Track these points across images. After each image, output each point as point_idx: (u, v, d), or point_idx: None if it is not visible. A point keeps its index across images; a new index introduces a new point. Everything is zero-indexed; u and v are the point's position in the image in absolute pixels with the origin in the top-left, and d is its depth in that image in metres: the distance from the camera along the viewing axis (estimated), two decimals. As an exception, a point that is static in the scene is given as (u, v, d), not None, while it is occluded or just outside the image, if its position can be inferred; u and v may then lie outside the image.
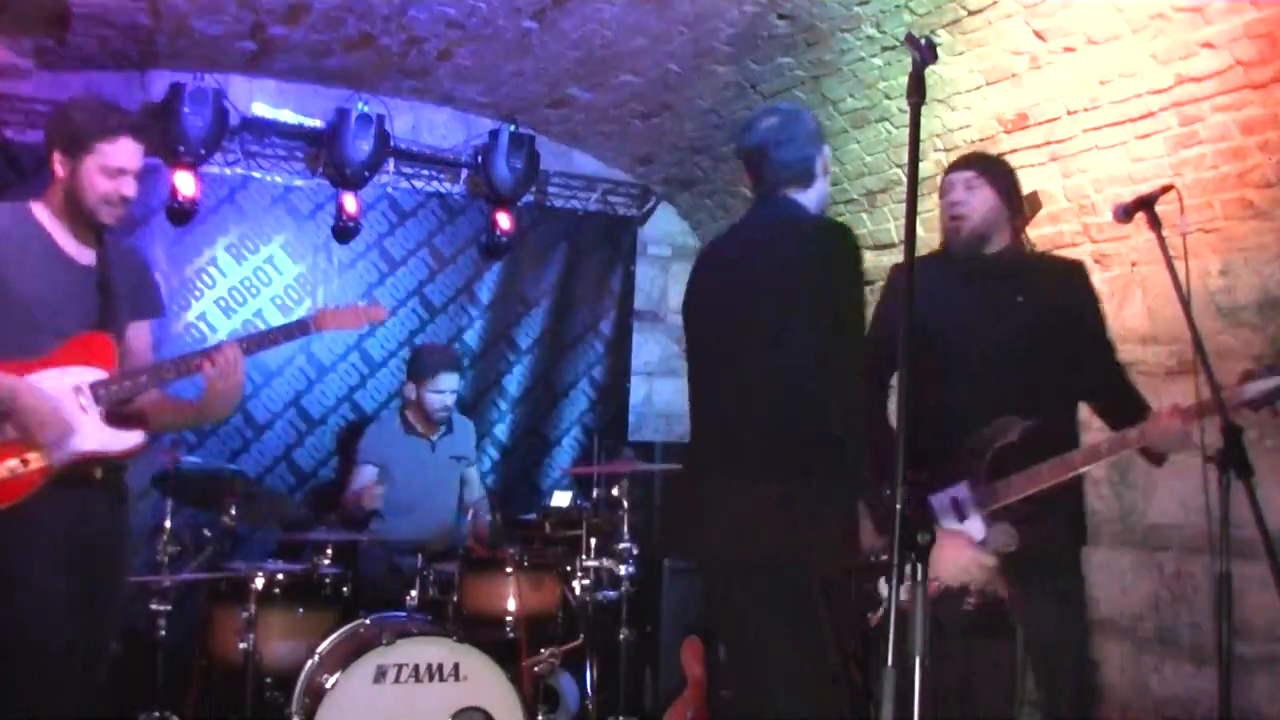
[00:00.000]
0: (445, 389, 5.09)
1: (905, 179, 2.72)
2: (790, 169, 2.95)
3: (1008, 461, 3.01)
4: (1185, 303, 2.76)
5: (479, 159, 5.77)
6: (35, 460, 2.78)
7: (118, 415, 2.94)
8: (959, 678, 3.49)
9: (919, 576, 1.82)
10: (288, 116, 5.50)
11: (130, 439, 2.94)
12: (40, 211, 2.96)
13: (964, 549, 2.95)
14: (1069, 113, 4.15)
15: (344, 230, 5.55)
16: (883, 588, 3.13)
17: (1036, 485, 2.99)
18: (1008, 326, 3.12)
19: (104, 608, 2.94)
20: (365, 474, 5.03)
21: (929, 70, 2.06)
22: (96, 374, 2.90)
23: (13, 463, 2.76)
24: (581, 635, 4.63)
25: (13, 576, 2.76)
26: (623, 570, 4.72)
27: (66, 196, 2.93)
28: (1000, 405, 3.03)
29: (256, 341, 3.13)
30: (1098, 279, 4.48)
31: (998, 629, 3.28)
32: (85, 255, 2.98)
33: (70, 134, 2.91)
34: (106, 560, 2.96)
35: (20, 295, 2.83)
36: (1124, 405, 3.11)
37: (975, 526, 3.03)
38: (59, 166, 2.92)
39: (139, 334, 3.13)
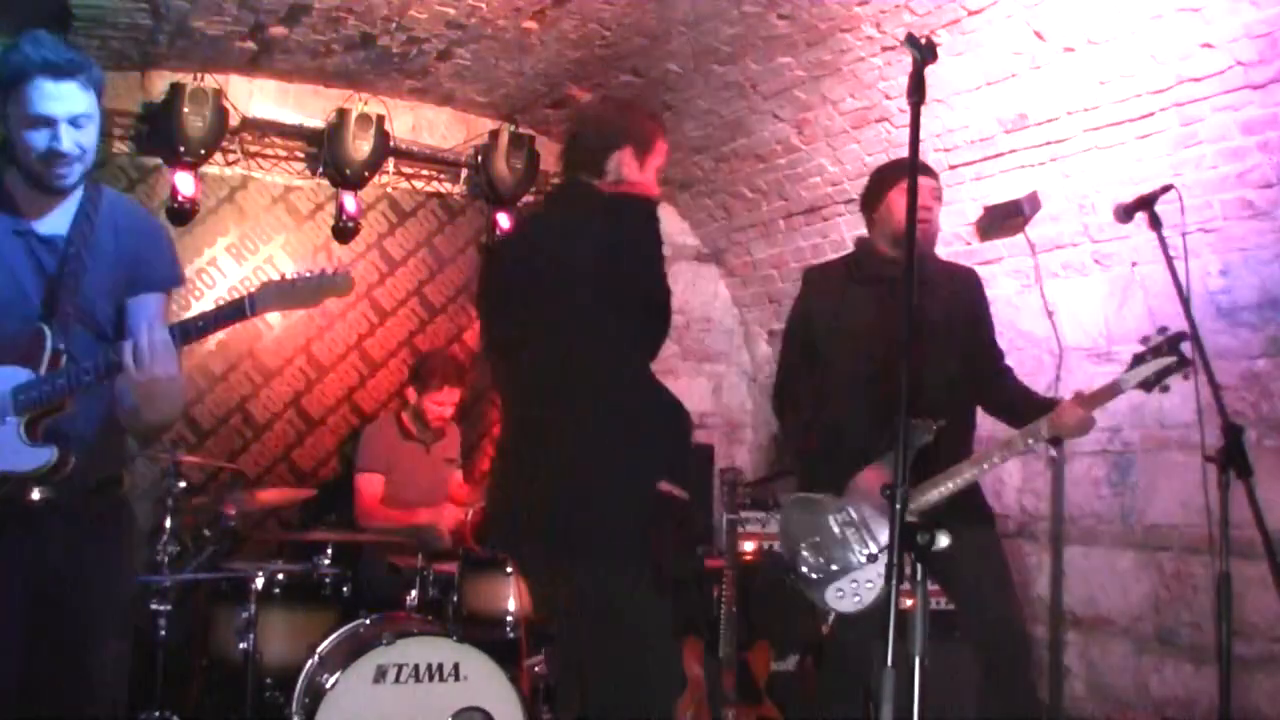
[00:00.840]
0: (445, 402, 5.09)
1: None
2: (582, 155, 2.94)
3: (924, 464, 3.14)
4: (1185, 303, 2.76)
5: (479, 159, 5.77)
6: None
7: (46, 428, 2.35)
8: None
9: (919, 577, 1.82)
10: (288, 116, 5.49)
11: (38, 455, 2.32)
12: (11, 176, 2.46)
13: None
14: (1069, 113, 4.15)
15: (344, 230, 5.55)
16: (831, 598, 3.25)
17: (959, 484, 3.19)
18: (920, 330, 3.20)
19: (73, 674, 2.38)
20: (375, 483, 5.02)
21: (929, 70, 2.05)
22: (20, 375, 2.35)
23: None
24: (581, 635, 4.62)
25: None
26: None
27: (10, 150, 2.40)
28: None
29: (186, 328, 2.37)
30: (1097, 279, 4.50)
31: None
32: (53, 226, 2.45)
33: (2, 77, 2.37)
34: (73, 609, 2.38)
35: None
36: (1024, 404, 3.38)
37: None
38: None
39: (144, 308, 2.53)
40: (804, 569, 3.28)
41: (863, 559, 3.21)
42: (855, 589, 3.22)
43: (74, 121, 2.37)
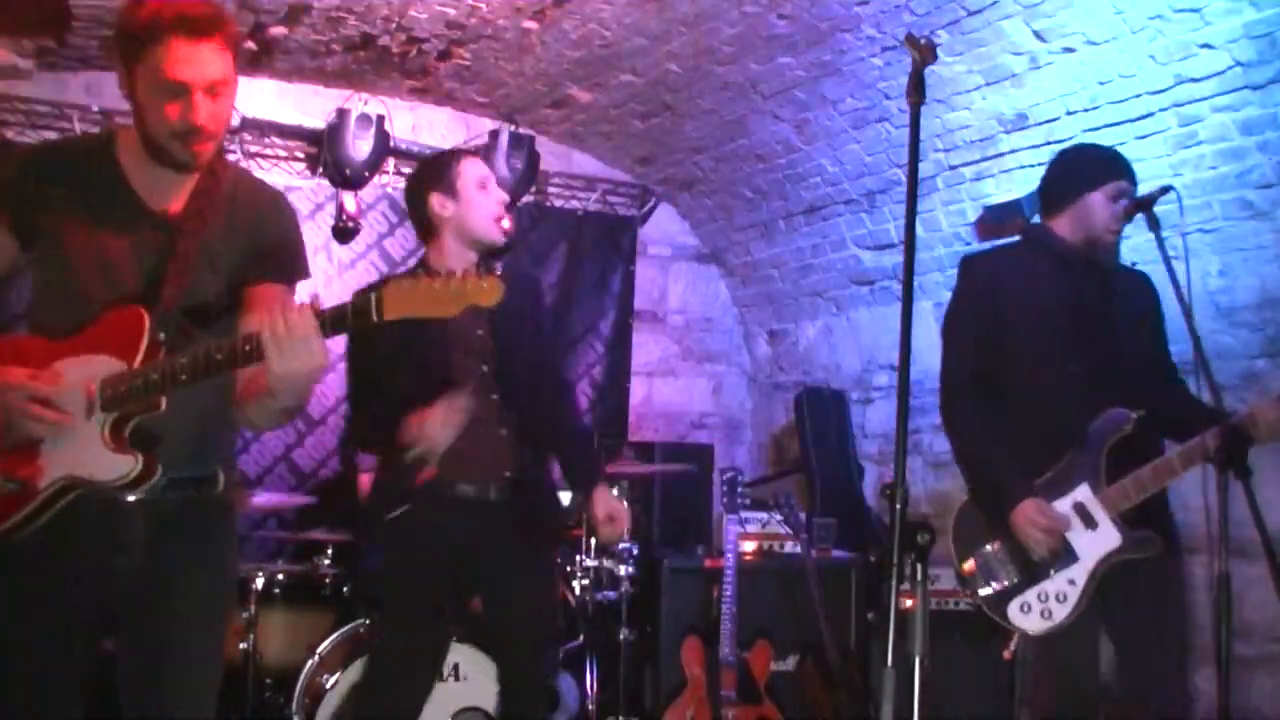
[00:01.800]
0: None
1: (905, 179, 2.71)
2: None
3: (1123, 457, 2.84)
4: (1185, 303, 2.76)
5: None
6: (29, 481, 2.06)
7: (135, 428, 2.06)
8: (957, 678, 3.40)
9: (919, 576, 1.82)
10: (288, 116, 5.49)
11: (118, 465, 2.03)
12: (124, 146, 2.18)
13: None
14: (1069, 113, 4.15)
15: (344, 230, 5.55)
16: (1014, 614, 2.90)
17: (1164, 481, 2.84)
18: (1114, 322, 2.97)
19: (156, 688, 2.18)
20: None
21: (929, 70, 2.06)
22: (113, 366, 2.05)
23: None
24: (581, 635, 4.63)
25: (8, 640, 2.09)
26: (623, 570, 4.72)
27: (140, 126, 2.12)
28: (1103, 397, 2.88)
29: (336, 316, 1.94)
30: (1097, 279, 4.49)
31: (998, 629, 3.18)
32: (173, 204, 2.17)
33: (127, 40, 2.06)
34: (160, 619, 2.16)
35: (79, 249, 2.12)
36: (1195, 417, 2.91)
37: (1110, 534, 2.83)
38: (123, 86, 2.11)
39: (265, 299, 2.18)
40: (981, 581, 2.94)
41: (1051, 570, 2.86)
42: (1044, 605, 2.85)
43: (211, 89, 2.05)
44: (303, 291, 2.19)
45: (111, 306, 2.09)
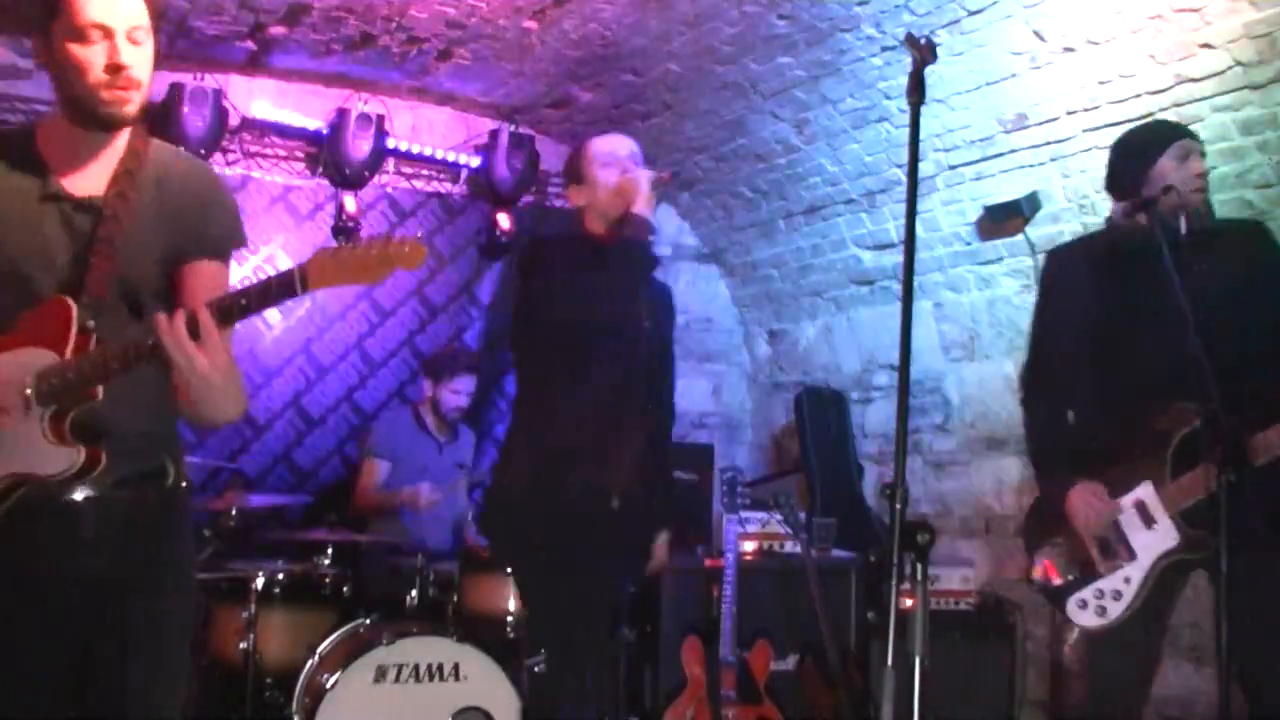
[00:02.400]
0: (462, 390, 5.08)
1: (905, 179, 2.71)
2: None
3: (1191, 454, 2.75)
4: (1185, 302, 2.75)
5: (479, 159, 5.77)
6: None
7: (75, 420, 2.00)
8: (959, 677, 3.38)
9: (919, 576, 1.82)
10: (288, 116, 5.49)
11: (66, 456, 1.98)
12: (45, 134, 2.15)
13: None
14: (1069, 113, 4.15)
15: (344, 230, 5.54)
16: (1072, 609, 2.89)
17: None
18: (1196, 300, 2.69)
19: (117, 691, 2.09)
20: (380, 468, 4.99)
21: (929, 70, 2.06)
22: (45, 358, 2.00)
23: None
24: (581, 635, 4.62)
25: None
26: (622, 570, 4.72)
27: (61, 91, 2.08)
28: (1175, 389, 2.76)
29: (226, 307, 1.92)
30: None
31: (998, 629, 3.17)
32: (88, 187, 2.11)
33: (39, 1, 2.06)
34: (116, 618, 2.09)
35: (6, 242, 2.06)
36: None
37: (1168, 533, 2.79)
38: (40, 53, 2.12)
39: (199, 278, 2.16)
40: (1046, 581, 2.96)
41: (1109, 567, 2.85)
42: (1100, 601, 2.84)
43: (132, 35, 2.05)
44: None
45: (38, 299, 2.04)
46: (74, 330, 2.00)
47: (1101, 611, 2.84)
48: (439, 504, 4.90)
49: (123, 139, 2.14)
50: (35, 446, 1.99)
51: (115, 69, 2.02)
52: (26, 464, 2.00)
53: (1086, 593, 2.87)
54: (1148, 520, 2.82)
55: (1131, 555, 2.83)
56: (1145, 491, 2.82)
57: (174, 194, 2.17)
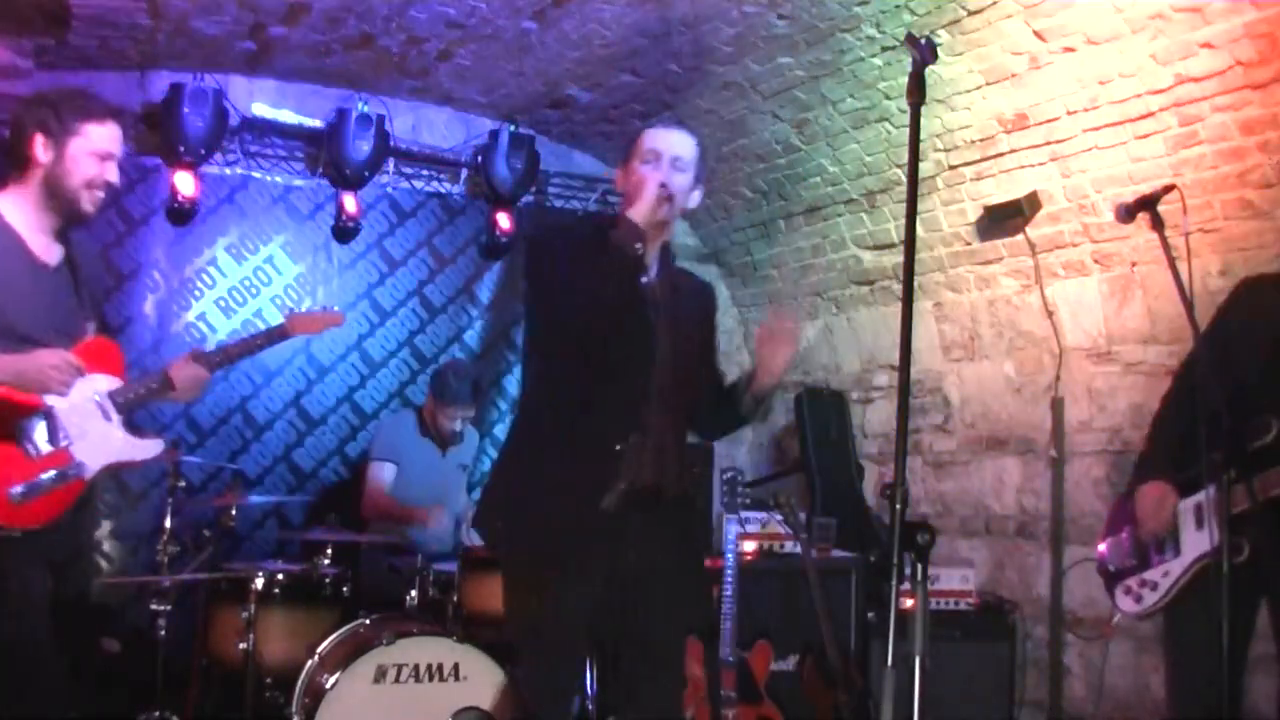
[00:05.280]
0: (460, 417, 5.09)
1: (905, 179, 2.70)
2: None
3: (1263, 464, 2.82)
4: (1187, 303, 2.76)
5: (479, 159, 5.77)
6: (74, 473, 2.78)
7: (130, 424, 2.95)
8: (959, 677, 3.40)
9: (919, 576, 1.82)
10: (288, 116, 5.50)
11: (153, 446, 3.00)
12: (7, 206, 2.81)
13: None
14: (1069, 113, 4.15)
15: (344, 230, 5.55)
16: (1118, 595, 3.12)
17: (1273, 490, 2.81)
18: None
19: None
20: (386, 472, 4.99)
21: (929, 70, 2.06)
22: (113, 382, 2.90)
23: (52, 473, 2.74)
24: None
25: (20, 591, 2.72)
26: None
27: (46, 184, 2.80)
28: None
29: (231, 355, 3.17)
30: (1097, 279, 4.50)
31: (998, 629, 3.22)
32: (53, 254, 2.87)
33: (57, 118, 2.78)
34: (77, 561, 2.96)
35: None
36: None
37: (1210, 536, 2.87)
38: (41, 151, 2.78)
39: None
40: (1106, 562, 3.22)
41: (1157, 559, 3.05)
42: (1140, 590, 3.08)
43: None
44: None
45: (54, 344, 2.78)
46: (123, 360, 3.02)
47: (1139, 599, 3.06)
48: (434, 497, 4.93)
49: None
50: (128, 443, 2.92)
51: (107, 185, 2.90)
52: (128, 454, 2.94)
53: (1132, 580, 3.10)
54: (1200, 522, 2.94)
55: (1177, 552, 3.00)
56: (1209, 494, 2.90)
57: (90, 267, 3.11)
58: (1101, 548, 3.25)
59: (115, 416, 2.87)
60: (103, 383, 2.88)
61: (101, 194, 2.82)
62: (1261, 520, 2.80)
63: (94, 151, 2.79)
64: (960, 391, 5.24)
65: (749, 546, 4.73)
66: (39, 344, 2.75)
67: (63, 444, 2.76)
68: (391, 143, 5.55)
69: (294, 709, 3.78)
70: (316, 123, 5.49)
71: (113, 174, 2.84)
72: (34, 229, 2.81)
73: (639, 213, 2.70)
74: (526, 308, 3.20)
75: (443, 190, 5.94)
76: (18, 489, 2.66)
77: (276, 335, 3.28)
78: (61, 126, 2.77)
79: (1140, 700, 4.33)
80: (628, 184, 2.83)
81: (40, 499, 2.70)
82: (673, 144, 2.83)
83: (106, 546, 5.01)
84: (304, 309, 3.36)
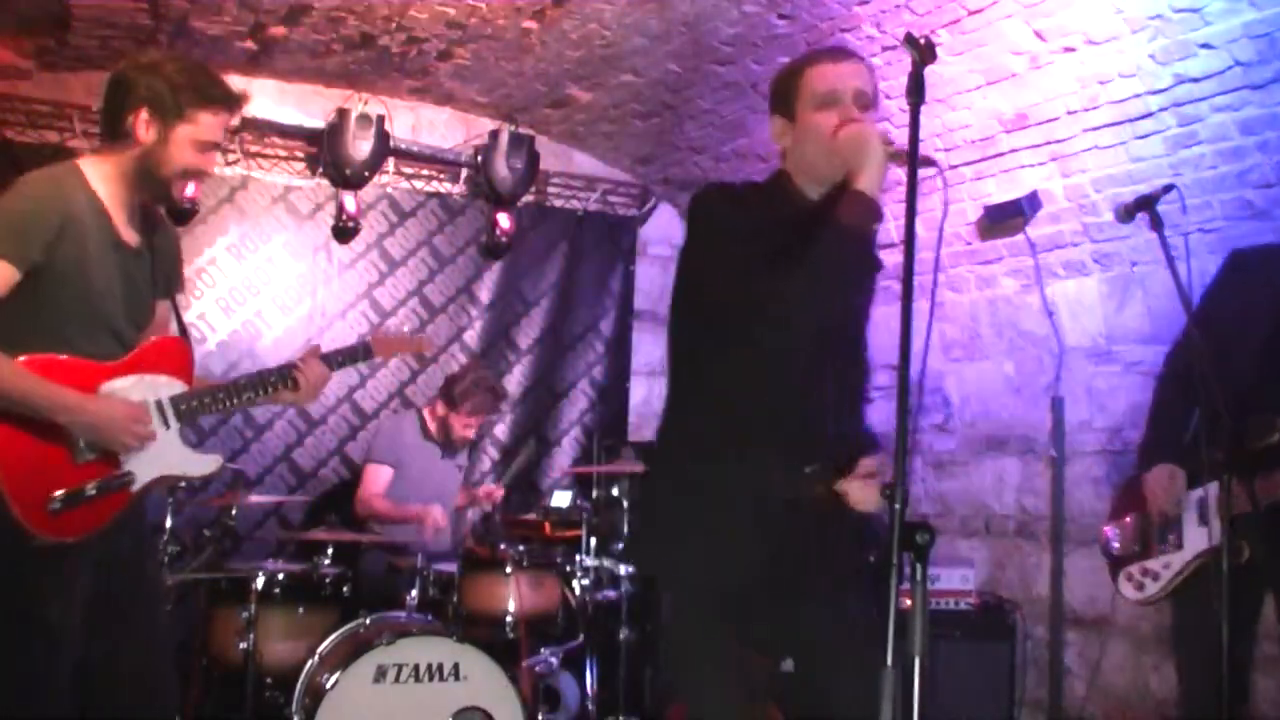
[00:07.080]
0: (476, 424, 5.08)
1: (905, 179, 2.69)
2: None
3: (1266, 465, 2.84)
4: (1187, 303, 2.76)
5: (479, 159, 5.77)
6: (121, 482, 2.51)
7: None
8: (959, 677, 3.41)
9: (919, 576, 1.82)
10: (288, 116, 5.50)
11: (211, 461, 2.71)
12: (95, 180, 2.52)
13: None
14: (1069, 113, 4.15)
15: (344, 230, 5.55)
16: (1121, 581, 3.20)
17: (1276, 493, 2.84)
18: None
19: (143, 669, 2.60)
20: (383, 474, 4.99)
21: (929, 70, 2.05)
22: (176, 385, 2.59)
23: (96, 482, 2.44)
24: (581, 635, 4.62)
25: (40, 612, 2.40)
26: (623, 570, 4.72)
27: (140, 163, 2.51)
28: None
29: (336, 360, 2.94)
30: (1097, 279, 4.50)
31: (998, 629, 3.24)
32: (132, 236, 2.59)
33: (174, 98, 2.47)
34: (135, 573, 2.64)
35: (87, 284, 2.46)
36: None
37: (1213, 533, 2.90)
38: (144, 130, 2.48)
39: (159, 313, 2.74)
40: (1110, 546, 3.28)
41: (1160, 549, 3.12)
42: (1142, 578, 3.17)
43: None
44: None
45: (125, 331, 2.54)
46: (193, 364, 2.68)
47: (1140, 587, 3.13)
48: (433, 499, 4.92)
49: None
50: (181, 454, 2.61)
51: (203, 177, 2.75)
52: (181, 468, 2.62)
53: (1134, 567, 3.16)
54: (1203, 518, 2.98)
55: (1179, 545, 3.04)
56: (1212, 491, 2.93)
57: (169, 252, 2.77)
58: (1106, 530, 3.31)
59: (175, 424, 2.57)
60: (164, 385, 2.57)
61: (195, 183, 2.63)
62: (1263, 522, 2.82)
63: (201, 140, 2.51)
64: (960, 391, 5.24)
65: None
66: (109, 329, 2.51)
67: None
68: (391, 143, 5.55)
69: (294, 709, 3.78)
70: (317, 123, 5.49)
71: (212, 164, 2.62)
72: (118, 205, 2.54)
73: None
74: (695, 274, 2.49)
75: (443, 190, 5.94)
76: (57, 496, 2.38)
77: (362, 355, 3.08)
78: (175, 110, 2.47)
79: (1140, 700, 4.33)
80: (801, 142, 2.24)
81: (80, 509, 2.42)
82: (848, 75, 2.23)
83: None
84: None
